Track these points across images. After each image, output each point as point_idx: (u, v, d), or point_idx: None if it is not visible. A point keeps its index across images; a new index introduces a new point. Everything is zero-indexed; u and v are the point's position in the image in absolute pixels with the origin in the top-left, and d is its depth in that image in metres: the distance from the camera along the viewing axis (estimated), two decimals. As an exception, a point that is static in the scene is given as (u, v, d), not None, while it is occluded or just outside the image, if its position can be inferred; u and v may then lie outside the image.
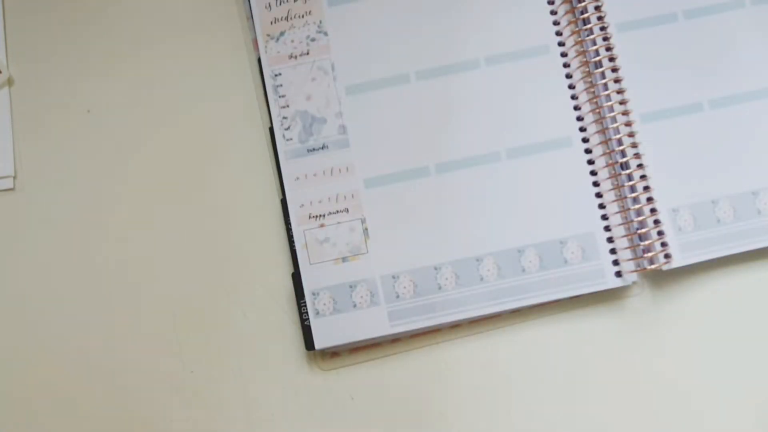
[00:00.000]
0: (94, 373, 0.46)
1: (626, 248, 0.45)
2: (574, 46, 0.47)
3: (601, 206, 0.46)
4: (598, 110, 0.46)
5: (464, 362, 0.46)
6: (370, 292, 0.45)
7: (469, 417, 0.45)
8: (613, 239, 0.45)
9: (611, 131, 0.46)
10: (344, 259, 0.45)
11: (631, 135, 0.46)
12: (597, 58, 0.47)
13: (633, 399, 0.45)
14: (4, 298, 0.47)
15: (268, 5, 0.48)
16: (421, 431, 0.45)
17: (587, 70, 0.47)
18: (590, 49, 0.47)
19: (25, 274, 0.47)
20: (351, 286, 0.45)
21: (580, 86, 0.47)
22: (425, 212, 0.46)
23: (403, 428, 0.45)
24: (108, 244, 0.47)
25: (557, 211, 0.46)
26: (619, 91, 0.46)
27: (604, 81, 0.46)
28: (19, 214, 0.48)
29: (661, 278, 0.46)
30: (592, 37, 0.47)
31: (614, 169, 0.46)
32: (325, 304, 0.45)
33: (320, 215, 0.46)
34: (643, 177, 0.45)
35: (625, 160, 0.45)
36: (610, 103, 0.46)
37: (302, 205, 0.46)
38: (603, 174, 0.46)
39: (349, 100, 0.47)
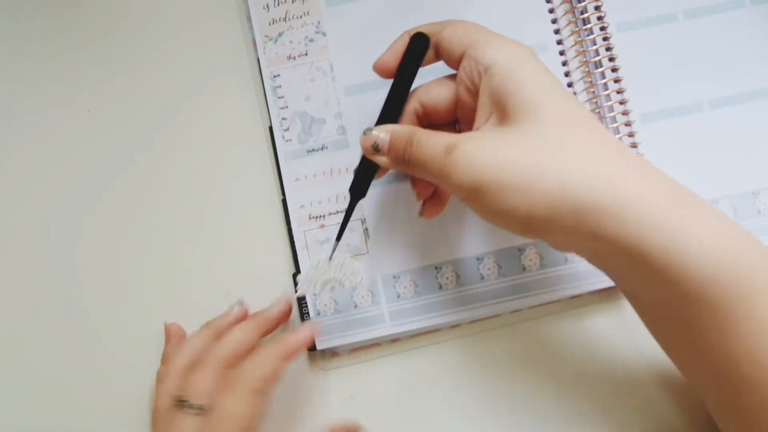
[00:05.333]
0: (93, 373, 0.46)
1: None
2: (573, 46, 0.47)
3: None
4: (597, 110, 0.46)
5: (464, 362, 0.46)
6: (371, 293, 0.45)
7: (470, 417, 0.45)
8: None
9: (611, 131, 0.46)
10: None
11: (631, 135, 0.46)
12: (597, 58, 0.47)
13: (633, 398, 0.45)
14: (3, 298, 0.47)
15: (266, 6, 0.48)
16: (421, 431, 0.45)
17: (587, 69, 0.47)
18: (590, 48, 0.47)
19: (24, 274, 0.47)
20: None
21: (580, 86, 0.47)
22: (425, 212, 0.46)
23: (403, 428, 0.45)
24: (108, 243, 0.47)
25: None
26: (619, 91, 0.46)
27: (604, 81, 0.46)
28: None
29: (661, 278, 0.46)
30: (591, 37, 0.47)
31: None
32: (326, 305, 0.45)
33: (320, 216, 0.46)
34: (643, 177, 0.45)
35: (624, 160, 0.45)
36: (609, 103, 0.46)
37: (302, 206, 0.46)
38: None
39: (349, 100, 0.47)
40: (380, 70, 0.39)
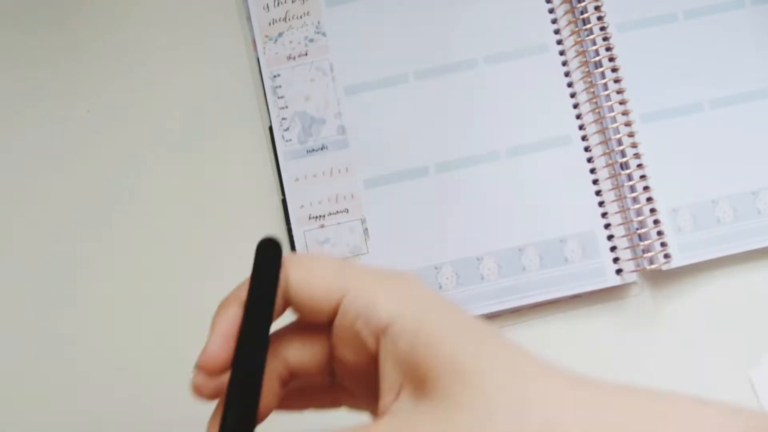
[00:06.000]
0: (93, 373, 0.46)
1: (626, 248, 0.45)
2: (573, 46, 0.47)
3: (601, 204, 0.46)
4: (597, 110, 0.46)
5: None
6: (370, 293, 0.45)
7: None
8: (613, 238, 0.45)
9: (611, 131, 0.46)
10: (345, 260, 0.45)
11: (630, 135, 0.46)
12: (597, 58, 0.47)
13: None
14: (3, 300, 0.47)
15: (266, 6, 0.48)
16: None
17: (587, 69, 0.47)
18: (590, 49, 0.47)
19: (25, 276, 0.47)
20: (351, 287, 0.45)
21: (580, 86, 0.47)
22: (425, 212, 0.46)
23: (404, 428, 0.45)
24: (108, 243, 0.47)
25: (557, 209, 0.46)
26: (619, 91, 0.46)
27: (603, 81, 0.46)
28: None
29: (660, 278, 0.46)
30: (591, 37, 0.47)
31: (614, 169, 0.46)
32: (325, 305, 0.45)
33: (320, 216, 0.46)
34: (642, 177, 0.45)
35: (624, 160, 0.45)
36: (609, 103, 0.46)
37: (302, 206, 0.46)
38: (602, 174, 0.46)
39: (348, 100, 0.47)
40: (208, 369, 0.27)
